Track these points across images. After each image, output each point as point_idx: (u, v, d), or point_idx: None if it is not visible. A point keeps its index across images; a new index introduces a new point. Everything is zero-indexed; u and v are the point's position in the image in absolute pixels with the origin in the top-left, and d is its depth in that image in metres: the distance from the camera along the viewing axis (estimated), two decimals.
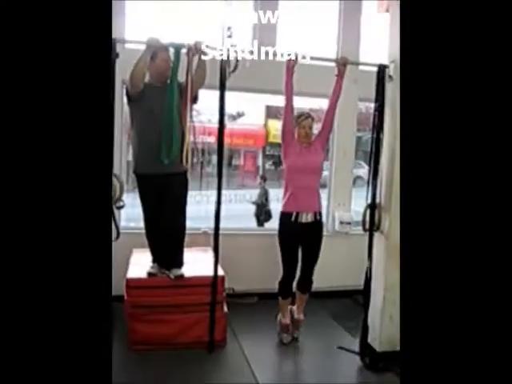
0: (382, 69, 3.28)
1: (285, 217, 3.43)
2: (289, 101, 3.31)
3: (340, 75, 3.35)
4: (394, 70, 3.22)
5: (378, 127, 3.31)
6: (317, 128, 3.52)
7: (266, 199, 8.17)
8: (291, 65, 3.23)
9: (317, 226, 3.46)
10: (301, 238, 3.43)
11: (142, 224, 3.57)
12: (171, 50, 3.14)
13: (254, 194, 8.72)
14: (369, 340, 3.35)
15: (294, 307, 3.68)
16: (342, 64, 3.34)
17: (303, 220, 3.38)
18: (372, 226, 3.35)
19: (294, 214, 3.37)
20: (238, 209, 8.91)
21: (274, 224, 7.98)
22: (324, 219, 4.63)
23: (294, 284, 3.58)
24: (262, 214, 7.97)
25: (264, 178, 8.81)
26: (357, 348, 3.41)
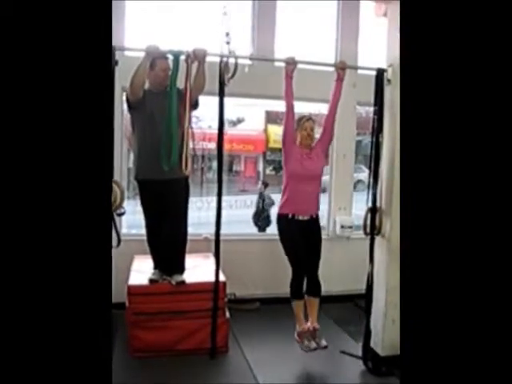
0: (380, 73, 3.29)
1: (281, 218, 3.42)
2: (290, 107, 3.27)
3: (339, 79, 3.35)
4: (392, 74, 3.23)
5: (378, 131, 3.32)
6: (318, 132, 3.50)
7: (264, 205, 8.07)
8: (290, 70, 3.24)
9: (314, 222, 3.44)
10: (300, 232, 3.37)
11: (143, 231, 3.58)
12: (170, 57, 3.15)
13: (254, 199, 8.69)
14: (371, 344, 3.34)
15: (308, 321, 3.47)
16: (341, 68, 3.35)
17: (299, 218, 3.36)
18: (373, 229, 3.35)
19: (290, 215, 3.35)
20: (239, 214, 8.92)
21: (274, 229, 8.00)
22: (325, 223, 4.67)
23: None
24: (260, 220, 7.90)
25: (265, 184, 8.72)
26: (359, 352, 3.40)
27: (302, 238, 3.40)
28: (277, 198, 8.19)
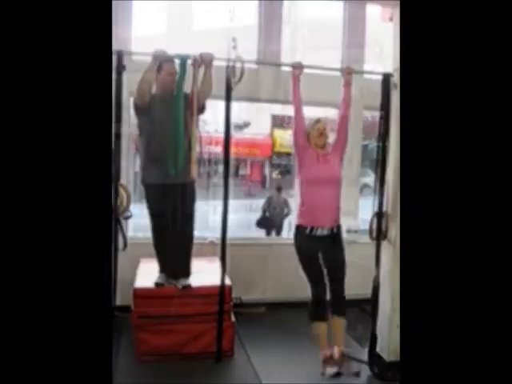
0: (386, 77, 3.30)
1: (299, 230, 3.25)
2: (298, 111, 3.21)
3: (347, 84, 3.34)
4: (398, 79, 3.23)
5: (384, 135, 3.32)
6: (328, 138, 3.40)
7: (270, 209, 7.98)
8: (297, 74, 3.24)
9: (335, 236, 3.24)
10: (319, 248, 3.21)
11: (149, 234, 3.59)
12: (177, 62, 3.17)
13: (260, 203, 8.66)
14: (377, 349, 3.33)
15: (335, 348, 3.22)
16: (348, 73, 3.34)
17: (318, 234, 3.18)
18: (379, 234, 3.34)
19: (309, 228, 3.18)
20: (245, 218, 8.91)
21: (283, 233, 7.95)
22: None
23: None
24: (262, 224, 7.81)
25: (279, 188, 8.37)
26: (365, 357, 3.39)
27: (321, 255, 3.24)
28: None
